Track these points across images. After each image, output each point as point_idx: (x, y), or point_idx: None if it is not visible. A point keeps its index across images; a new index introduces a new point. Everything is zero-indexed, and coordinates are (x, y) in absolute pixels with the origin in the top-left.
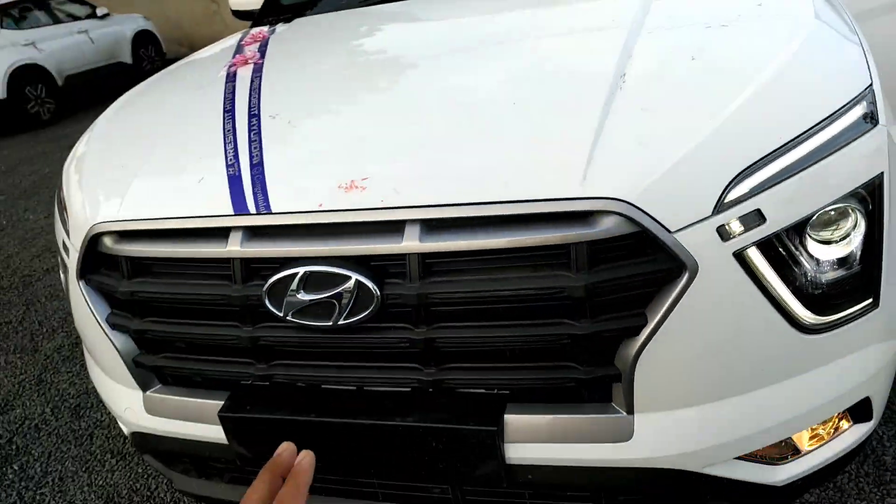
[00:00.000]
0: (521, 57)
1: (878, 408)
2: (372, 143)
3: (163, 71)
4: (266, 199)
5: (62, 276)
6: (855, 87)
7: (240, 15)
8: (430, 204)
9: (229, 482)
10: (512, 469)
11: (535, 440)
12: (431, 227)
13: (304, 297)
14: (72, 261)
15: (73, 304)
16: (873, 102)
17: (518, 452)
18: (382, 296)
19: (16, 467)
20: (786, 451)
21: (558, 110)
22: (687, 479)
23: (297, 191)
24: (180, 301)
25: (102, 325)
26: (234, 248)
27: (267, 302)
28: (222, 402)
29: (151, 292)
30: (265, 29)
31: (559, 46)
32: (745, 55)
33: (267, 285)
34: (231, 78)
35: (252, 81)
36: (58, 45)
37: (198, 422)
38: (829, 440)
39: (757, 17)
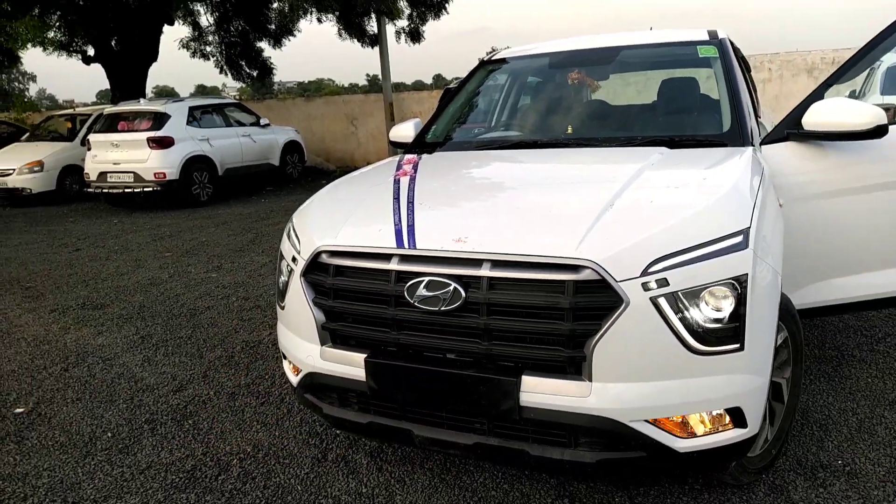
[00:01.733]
0: (563, 188)
1: (751, 420)
2: (472, 220)
3: (350, 174)
4: (414, 242)
5: (282, 278)
6: (739, 226)
7: (395, 144)
8: (498, 251)
9: (357, 410)
10: (522, 407)
11: (536, 391)
12: (496, 264)
13: (425, 293)
14: (299, 266)
15: (290, 293)
16: (748, 236)
17: (526, 397)
18: (466, 297)
19: (190, 422)
20: (687, 431)
21: (573, 215)
22: (618, 428)
23: (430, 239)
24: (357, 291)
25: (309, 303)
26: (394, 265)
27: (406, 294)
28: (366, 355)
29: (344, 285)
30: (415, 156)
31: (585, 186)
32: (680, 202)
33: (407, 285)
34: (396, 182)
35: (409, 185)
36: (225, 143)
37: (349, 365)
38: (717, 432)
39: (697, 185)
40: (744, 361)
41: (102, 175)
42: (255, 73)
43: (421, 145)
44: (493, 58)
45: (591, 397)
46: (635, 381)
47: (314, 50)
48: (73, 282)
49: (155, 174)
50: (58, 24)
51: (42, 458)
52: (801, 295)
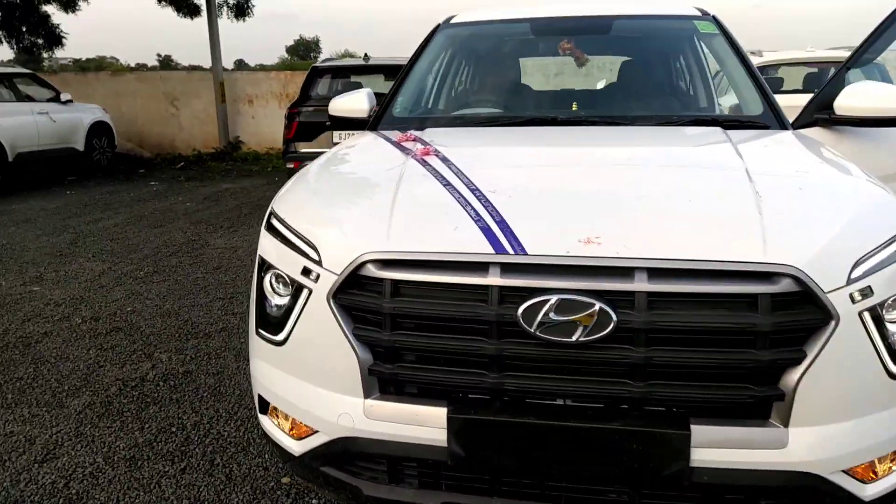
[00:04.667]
0: (669, 173)
1: None
2: (589, 214)
3: (327, 155)
4: (520, 244)
5: (275, 300)
6: None
7: (337, 121)
8: (659, 256)
9: (419, 487)
10: (694, 470)
11: (712, 446)
12: (654, 273)
13: (556, 317)
14: (322, 283)
15: (302, 323)
16: None
17: (700, 455)
18: (618, 321)
19: None
20: (870, 473)
21: (725, 207)
22: (815, 482)
23: (545, 241)
24: (432, 317)
25: (348, 337)
26: (495, 278)
27: (521, 320)
28: (439, 409)
29: (408, 310)
30: (410, 133)
31: (695, 171)
32: (829, 191)
33: (523, 307)
34: (424, 163)
35: (446, 167)
36: (15, 122)
37: (416, 424)
38: (893, 472)
39: (823, 169)
40: None
41: None
42: (40, 42)
43: (390, 121)
44: (456, 21)
45: (789, 448)
46: (836, 423)
47: (91, 24)
48: None
49: None
50: None
51: None
52: None
